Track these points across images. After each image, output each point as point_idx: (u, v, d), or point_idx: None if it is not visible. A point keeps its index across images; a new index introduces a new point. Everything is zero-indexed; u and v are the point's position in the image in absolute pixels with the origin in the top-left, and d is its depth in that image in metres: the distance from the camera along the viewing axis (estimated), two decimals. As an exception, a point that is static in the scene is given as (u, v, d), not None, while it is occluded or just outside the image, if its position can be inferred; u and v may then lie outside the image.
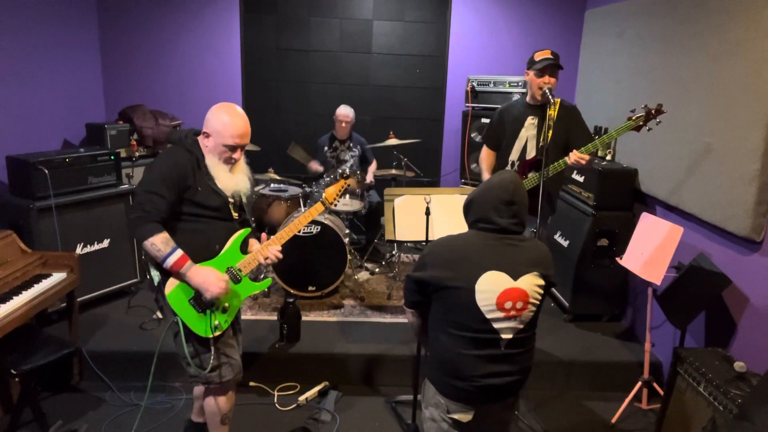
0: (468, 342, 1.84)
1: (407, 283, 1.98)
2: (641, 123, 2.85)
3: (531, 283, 1.83)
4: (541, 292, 1.87)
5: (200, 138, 2.26)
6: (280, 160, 5.03)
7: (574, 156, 2.89)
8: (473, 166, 4.99)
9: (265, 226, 4.25)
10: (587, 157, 2.90)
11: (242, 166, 2.36)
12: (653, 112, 2.84)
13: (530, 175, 3.05)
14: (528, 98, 3.17)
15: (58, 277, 3.02)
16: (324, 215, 3.97)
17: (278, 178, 4.37)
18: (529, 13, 5.08)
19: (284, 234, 2.42)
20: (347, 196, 4.28)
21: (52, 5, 4.19)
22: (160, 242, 2.06)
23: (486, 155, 3.45)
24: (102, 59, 4.99)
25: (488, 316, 1.80)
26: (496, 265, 1.81)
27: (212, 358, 2.22)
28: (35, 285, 2.88)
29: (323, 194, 2.53)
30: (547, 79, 2.98)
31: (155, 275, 2.20)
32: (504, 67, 5.11)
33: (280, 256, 2.35)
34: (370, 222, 4.92)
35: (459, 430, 1.92)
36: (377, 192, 4.81)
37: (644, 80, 3.67)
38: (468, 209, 1.97)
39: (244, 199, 2.41)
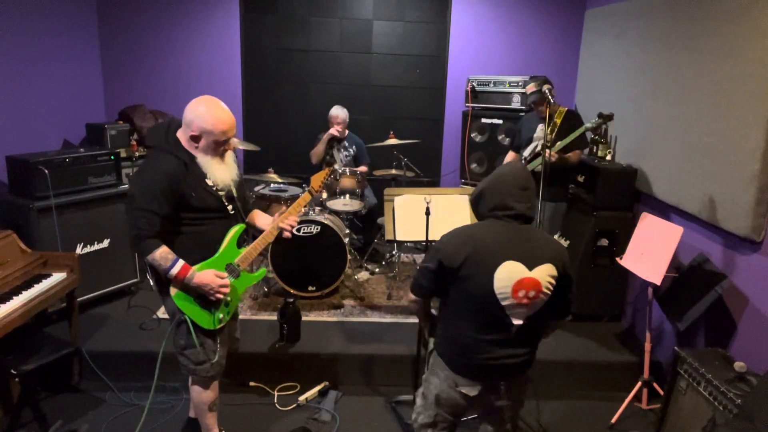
0: (481, 326, 1.94)
1: (423, 272, 2.02)
2: (595, 126, 3.56)
3: (544, 273, 1.90)
4: (553, 282, 1.92)
5: (181, 136, 2.21)
6: (280, 160, 5.03)
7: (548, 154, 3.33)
8: (473, 166, 5.00)
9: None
10: (555, 155, 3.44)
11: (229, 152, 2.35)
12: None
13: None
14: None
15: (58, 277, 3.02)
16: (324, 215, 3.97)
17: (278, 179, 4.36)
18: (529, 13, 5.08)
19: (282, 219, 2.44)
20: (347, 195, 4.27)
21: (52, 5, 4.19)
22: (159, 257, 2.13)
23: (509, 155, 4.11)
24: (102, 59, 4.99)
25: (503, 303, 1.89)
26: (514, 255, 1.88)
27: (218, 348, 2.34)
28: (35, 285, 2.88)
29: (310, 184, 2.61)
30: (539, 108, 3.67)
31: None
32: (504, 67, 5.11)
33: (295, 224, 2.45)
34: (367, 222, 4.91)
35: (465, 401, 2.03)
36: (377, 192, 4.81)
37: (644, 80, 3.67)
38: (480, 199, 2.01)
39: (234, 191, 2.35)
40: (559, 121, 3.64)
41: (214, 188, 2.26)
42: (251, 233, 2.52)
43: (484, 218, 2.01)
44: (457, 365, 2.01)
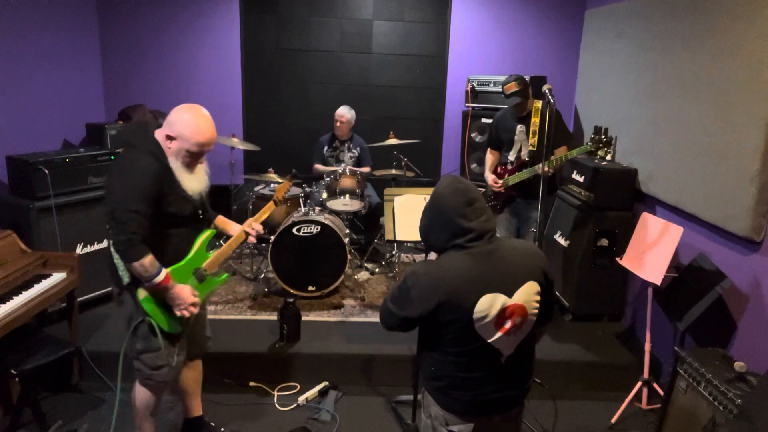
0: (467, 364, 1.75)
1: (390, 318, 1.82)
2: (593, 149, 3.33)
3: (528, 293, 1.72)
4: (539, 298, 1.76)
5: (159, 136, 2.18)
6: (280, 160, 5.03)
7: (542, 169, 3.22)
8: (473, 166, 5.00)
9: (265, 227, 4.23)
10: (550, 171, 3.35)
11: (201, 165, 2.32)
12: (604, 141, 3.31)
13: (519, 172, 3.59)
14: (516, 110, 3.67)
15: (58, 277, 3.02)
16: (324, 215, 3.97)
17: (278, 179, 4.36)
18: (529, 13, 5.08)
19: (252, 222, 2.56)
20: (347, 195, 4.27)
21: (52, 6, 4.19)
22: (149, 264, 2.09)
23: (489, 156, 3.91)
24: (102, 59, 5.00)
25: (489, 340, 1.70)
26: (489, 287, 1.68)
27: (176, 353, 2.33)
28: (35, 285, 2.87)
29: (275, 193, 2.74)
30: (520, 108, 3.56)
31: (124, 275, 2.19)
32: (504, 67, 5.11)
33: (260, 229, 2.54)
34: (369, 222, 4.91)
35: None
36: (377, 192, 4.81)
37: (644, 80, 3.67)
38: (430, 234, 1.80)
39: (203, 198, 2.36)
40: (537, 120, 3.50)
41: (188, 193, 2.23)
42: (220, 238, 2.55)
43: (445, 250, 1.76)
44: (445, 402, 1.80)
